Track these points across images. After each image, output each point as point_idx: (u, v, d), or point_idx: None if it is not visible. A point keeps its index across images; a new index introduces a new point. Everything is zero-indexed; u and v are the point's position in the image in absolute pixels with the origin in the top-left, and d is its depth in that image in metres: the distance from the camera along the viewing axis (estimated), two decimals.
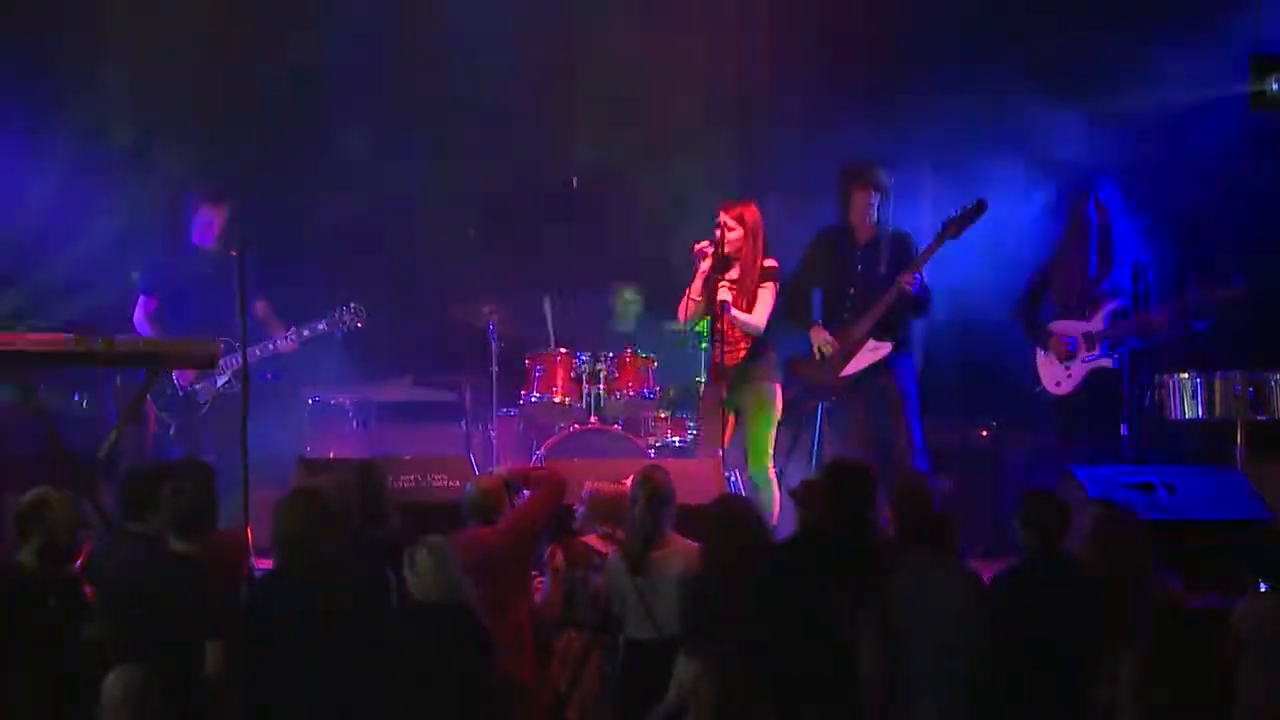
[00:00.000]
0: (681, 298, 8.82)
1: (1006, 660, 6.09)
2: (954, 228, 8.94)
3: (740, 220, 8.73)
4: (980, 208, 8.92)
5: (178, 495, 6.19)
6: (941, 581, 6.14)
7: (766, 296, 8.74)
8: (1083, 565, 6.30)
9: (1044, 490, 6.59)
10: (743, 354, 8.77)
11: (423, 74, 10.24)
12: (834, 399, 9.21)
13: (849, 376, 9.12)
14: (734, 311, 8.66)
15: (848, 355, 9.12)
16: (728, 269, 8.76)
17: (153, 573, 6.07)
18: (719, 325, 8.73)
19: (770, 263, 8.77)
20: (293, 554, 6.10)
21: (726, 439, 8.79)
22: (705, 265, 8.72)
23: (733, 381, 8.72)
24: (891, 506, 6.46)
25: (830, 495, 6.34)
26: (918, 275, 8.95)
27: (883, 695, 5.99)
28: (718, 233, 8.72)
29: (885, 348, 9.05)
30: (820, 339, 9.18)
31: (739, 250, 8.73)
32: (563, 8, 10.13)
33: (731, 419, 8.78)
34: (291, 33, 10.01)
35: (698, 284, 8.74)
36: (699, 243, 8.73)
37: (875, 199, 9.16)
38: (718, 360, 8.78)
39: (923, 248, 9.05)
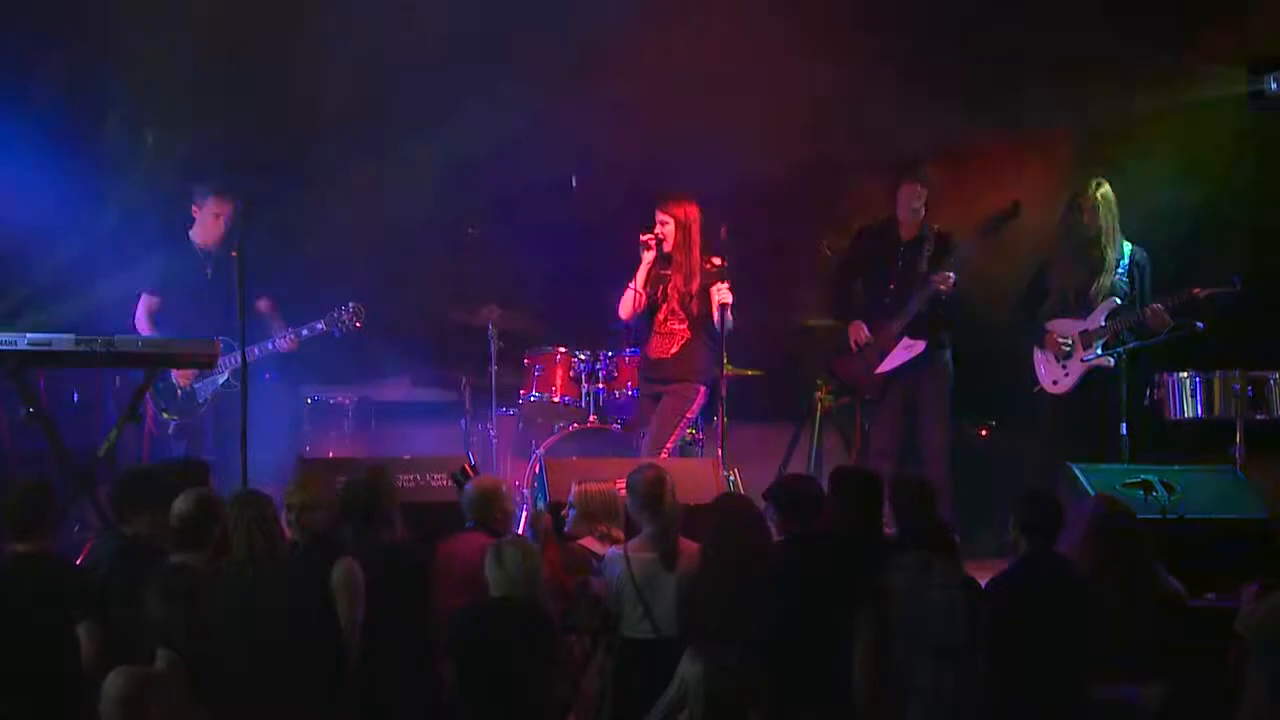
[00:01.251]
0: (624, 291, 8.95)
1: (1005, 662, 6.10)
2: (988, 230, 9.03)
3: (672, 216, 8.88)
4: (1015, 209, 8.99)
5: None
6: (940, 583, 6.14)
7: (726, 295, 8.81)
8: (1081, 565, 6.30)
9: (1039, 491, 6.58)
10: (676, 350, 8.89)
11: (423, 73, 10.22)
12: (869, 396, 9.24)
13: (885, 374, 9.15)
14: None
15: (883, 352, 9.16)
16: (669, 264, 8.92)
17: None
18: (658, 317, 8.87)
19: (717, 261, 8.87)
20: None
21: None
22: (649, 257, 8.88)
23: (662, 375, 8.91)
24: (892, 507, 6.48)
25: (835, 505, 6.34)
26: (951, 276, 9.00)
27: (878, 697, 5.98)
28: (657, 228, 8.86)
29: (919, 345, 9.10)
30: (856, 335, 9.23)
31: (673, 247, 8.92)
32: (564, 6, 10.11)
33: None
34: (291, 32, 9.99)
35: (642, 275, 8.89)
36: (645, 234, 8.85)
37: (922, 195, 9.20)
38: (651, 353, 8.94)
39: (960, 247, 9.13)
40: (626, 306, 9.09)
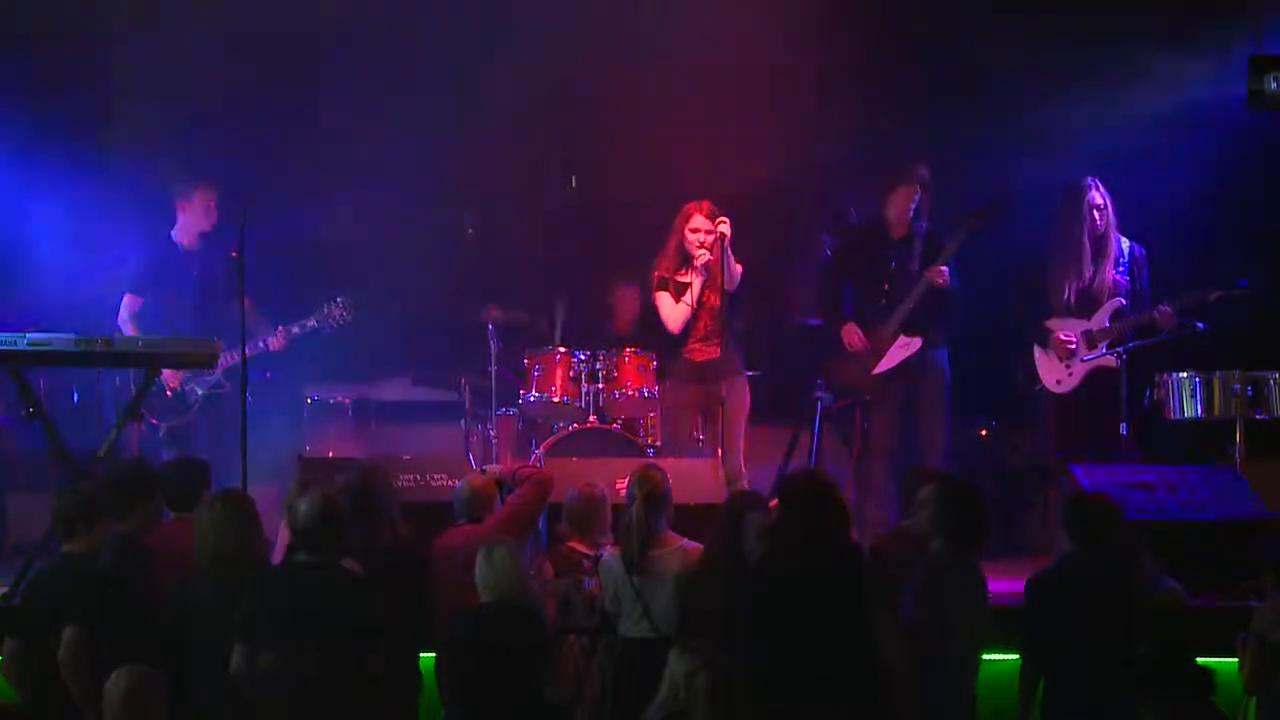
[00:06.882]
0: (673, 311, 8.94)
1: (1047, 662, 6.13)
2: (972, 223, 9.05)
3: (719, 227, 8.83)
4: (997, 204, 9.03)
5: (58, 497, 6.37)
6: (960, 580, 6.16)
7: (725, 227, 8.85)
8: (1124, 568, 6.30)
9: (1089, 493, 6.54)
10: (718, 351, 8.91)
11: (423, 72, 10.23)
12: (868, 397, 9.25)
13: (882, 374, 9.16)
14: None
15: (879, 352, 9.16)
16: (690, 270, 8.92)
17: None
18: (698, 328, 8.88)
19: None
20: (206, 555, 6.14)
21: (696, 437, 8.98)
22: (707, 273, 8.85)
23: (715, 372, 8.88)
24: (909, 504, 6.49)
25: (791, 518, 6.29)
26: (945, 270, 9.01)
27: (906, 695, 5.98)
28: (710, 238, 8.83)
29: (915, 344, 9.11)
30: (851, 337, 9.23)
31: (714, 257, 8.90)
32: (563, 7, 10.13)
33: (698, 418, 8.95)
34: (291, 32, 9.99)
35: (697, 292, 8.85)
36: (701, 257, 8.81)
37: (917, 196, 9.21)
38: (693, 358, 8.92)
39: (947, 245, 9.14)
40: (679, 321, 9.02)
